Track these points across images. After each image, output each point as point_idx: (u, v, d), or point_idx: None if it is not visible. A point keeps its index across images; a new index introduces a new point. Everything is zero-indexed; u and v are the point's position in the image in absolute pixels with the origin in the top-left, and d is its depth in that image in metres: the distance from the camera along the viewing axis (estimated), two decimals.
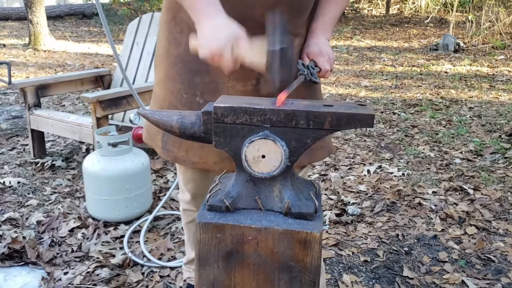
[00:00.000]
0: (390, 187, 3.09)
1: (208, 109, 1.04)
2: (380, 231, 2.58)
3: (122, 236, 2.50)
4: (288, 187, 1.05)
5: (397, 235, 2.53)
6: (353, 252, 2.37)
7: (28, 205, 2.86)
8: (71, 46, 9.33)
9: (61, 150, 3.76)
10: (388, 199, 2.92)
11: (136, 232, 2.55)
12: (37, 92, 3.40)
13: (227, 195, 1.05)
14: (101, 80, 3.83)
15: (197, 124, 1.06)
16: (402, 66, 7.27)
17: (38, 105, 3.43)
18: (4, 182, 3.13)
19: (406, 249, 2.39)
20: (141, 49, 3.79)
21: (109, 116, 3.26)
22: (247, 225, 1.00)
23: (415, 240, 2.47)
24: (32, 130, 3.44)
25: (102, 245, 2.41)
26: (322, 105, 1.03)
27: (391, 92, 5.68)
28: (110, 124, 3.05)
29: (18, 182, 3.15)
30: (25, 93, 3.36)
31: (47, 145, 3.81)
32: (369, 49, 8.90)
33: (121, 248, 2.40)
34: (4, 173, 3.31)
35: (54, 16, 13.31)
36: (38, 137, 3.50)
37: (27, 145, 3.79)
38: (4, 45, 9.48)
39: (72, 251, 2.39)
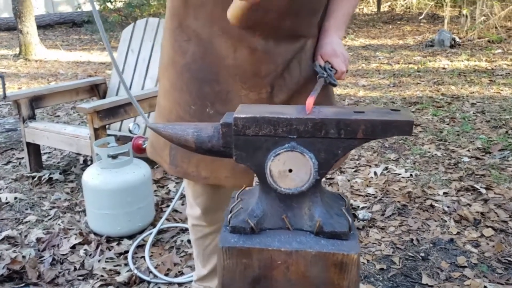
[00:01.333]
0: (399, 189, 3.00)
1: (228, 120, 0.95)
2: (393, 236, 2.49)
3: (126, 252, 2.39)
4: (318, 203, 0.96)
5: (412, 239, 2.44)
6: (368, 260, 2.28)
7: (26, 222, 2.75)
8: (63, 55, 9.21)
9: (58, 163, 3.64)
10: (399, 201, 2.83)
11: (140, 246, 2.45)
12: (31, 104, 3.30)
13: (251, 215, 0.96)
14: (97, 89, 3.72)
15: (215, 137, 0.97)
16: (399, 63, 7.20)
17: (32, 117, 3.32)
18: (0, 198, 3.01)
19: (422, 254, 2.30)
20: (137, 56, 3.69)
21: (106, 126, 3.15)
22: (275, 248, 0.90)
23: (431, 245, 2.39)
24: (28, 143, 3.33)
25: (106, 262, 2.31)
26: (352, 112, 0.94)
27: (390, 91, 5.61)
28: (108, 135, 2.95)
29: (15, 198, 3.03)
30: (19, 106, 3.25)
31: (44, 157, 3.70)
32: (364, 47, 8.84)
33: (126, 264, 2.30)
34: (0, 189, 3.19)
35: (44, 25, 13.15)
36: (34, 150, 3.39)
37: (22, 158, 3.68)
38: None
39: (75, 269, 2.29)
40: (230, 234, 0.95)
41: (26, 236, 2.59)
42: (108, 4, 11.75)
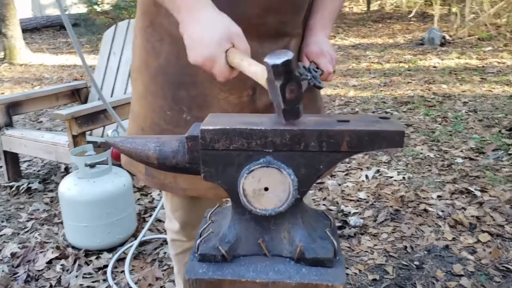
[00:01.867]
0: (392, 192, 2.90)
1: (194, 133, 0.83)
2: (386, 243, 2.38)
3: (106, 266, 2.27)
4: (299, 225, 0.85)
5: (405, 247, 2.34)
6: (360, 270, 2.17)
7: (1, 235, 2.62)
8: (49, 59, 9.03)
9: (38, 171, 3.51)
10: (391, 206, 2.73)
11: (121, 260, 2.32)
12: (8, 110, 3.16)
13: (222, 240, 0.84)
14: (78, 94, 3.59)
15: (180, 152, 0.85)
16: (389, 62, 7.12)
17: (10, 124, 3.18)
18: None
19: (416, 263, 2.20)
20: (119, 59, 3.56)
21: (88, 132, 3.02)
22: (250, 279, 0.79)
23: (425, 252, 2.28)
24: (5, 152, 3.19)
25: (83, 277, 2.18)
26: (336, 121, 0.83)
27: (381, 90, 5.52)
28: (89, 142, 2.82)
29: None
30: None
31: (23, 166, 3.56)
32: (354, 47, 8.75)
33: (105, 280, 2.17)
34: None
35: (31, 29, 12.95)
36: (12, 158, 3.25)
37: (0, 167, 3.53)
38: None
39: (51, 286, 2.16)
40: (199, 263, 0.83)
41: (0, 250, 2.46)
42: (95, 7, 11.58)
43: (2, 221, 2.77)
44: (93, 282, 2.15)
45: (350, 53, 8.10)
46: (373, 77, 6.23)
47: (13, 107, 3.18)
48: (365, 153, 3.55)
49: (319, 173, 0.82)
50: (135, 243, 2.32)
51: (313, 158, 0.81)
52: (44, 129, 4.40)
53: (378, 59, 7.43)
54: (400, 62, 7.08)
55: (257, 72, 0.86)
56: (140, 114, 1.33)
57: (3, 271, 2.24)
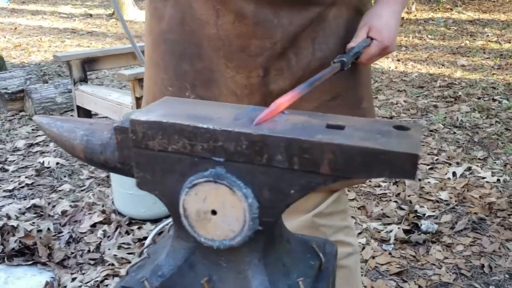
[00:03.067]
0: (480, 197, 2.47)
1: (124, 124, 0.61)
2: (460, 257, 2.01)
3: (146, 238, 2.16)
4: (258, 268, 0.60)
5: (482, 265, 1.96)
6: (420, 286, 1.85)
7: (59, 191, 2.63)
8: None
9: None
10: (476, 213, 2.32)
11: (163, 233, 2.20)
12: (83, 66, 3.15)
13: (154, 272, 0.62)
14: None
15: (110, 146, 0.63)
16: (510, 42, 6.27)
17: (84, 80, 3.18)
18: (43, 162, 2.93)
19: (492, 287, 1.83)
20: None
21: None
22: None
23: (506, 276, 1.89)
24: (78, 107, 3.21)
25: (120, 248, 2.10)
26: (324, 127, 0.56)
27: (493, 74, 4.85)
28: None
29: (57, 163, 2.93)
30: (71, 67, 3.12)
31: None
32: (471, 22, 7.87)
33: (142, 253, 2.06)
34: (48, 152, 3.12)
35: None
36: (85, 114, 3.27)
37: None
38: (91, 15, 9.61)
39: (89, 251, 2.10)
40: None
41: (54, 206, 2.46)
42: None
43: (64, 176, 2.79)
44: (128, 254, 2.06)
45: (465, 29, 7.28)
46: (487, 58, 5.52)
47: (88, 62, 3.17)
48: (459, 145, 3.10)
49: (289, 199, 0.56)
50: None
51: (281, 178, 0.55)
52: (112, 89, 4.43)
53: (497, 38, 6.60)
54: None
55: None
56: (145, 88, 1.15)
57: (48, 229, 2.23)
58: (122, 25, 1.77)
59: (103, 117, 3.71)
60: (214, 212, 0.58)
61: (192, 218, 0.59)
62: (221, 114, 0.60)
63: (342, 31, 1.00)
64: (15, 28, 8.13)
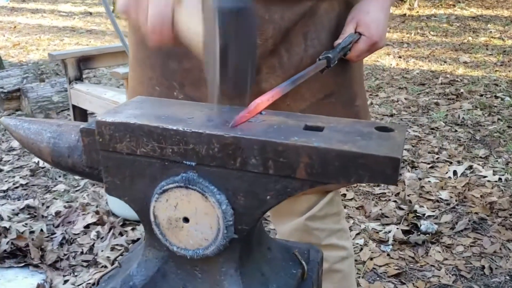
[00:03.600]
0: (481, 196, 2.42)
1: (91, 126, 0.57)
2: (459, 258, 1.97)
3: (139, 239, 2.12)
4: (235, 279, 0.56)
5: (483, 267, 1.91)
6: None
7: (54, 191, 2.59)
8: None
9: None
10: (476, 213, 2.27)
11: None
12: (78, 64, 3.11)
13: (125, 282, 0.58)
14: None
15: (77, 150, 0.59)
16: None
17: (79, 78, 3.14)
18: (38, 162, 2.90)
19: None
20: None
21: None
22: None
23: (507, 278, 1.84)
24: (74, 106, 3.17)
25: (113, 249, 2.06)
26: (301, 129, 0.52)
27: (496, 71, 4.79)
28: None
29: None
30: (66, 66, 3.08)
31: None
32: (474, 18, 7.79)
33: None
34: None
35: None
36: (80, 113, 3.22)
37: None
38: (91, 13, 9.58)
39: (82, 253, 2.07)
40: None
41: (48, 207, 2.42)
42: None
43: (59, 176, 2.76)
44: (121, 255, 2.02)
45: (467, 25, 7.21)
46: (490, 54, 5.46)
47: (84, 61, 3.13)
48: (461, 143, 3.05)
49: (266, 206, 0.52)
50: None
51: (256, 183, 0.51)
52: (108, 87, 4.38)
53: (500, 34, 6.53)
54: None
55: (190, 29, 0.58)
56: (130, 87, 1.11)
57: (41, 230, 2.20)
58: (111, 21, 1.73)
59: None
60: (186, 220, 0.54)
61: (164, 226, 0.55)
62: (194, 115, 0.56)
63: (333, 26, 0.95)
64: (14, 27, 8.11)
